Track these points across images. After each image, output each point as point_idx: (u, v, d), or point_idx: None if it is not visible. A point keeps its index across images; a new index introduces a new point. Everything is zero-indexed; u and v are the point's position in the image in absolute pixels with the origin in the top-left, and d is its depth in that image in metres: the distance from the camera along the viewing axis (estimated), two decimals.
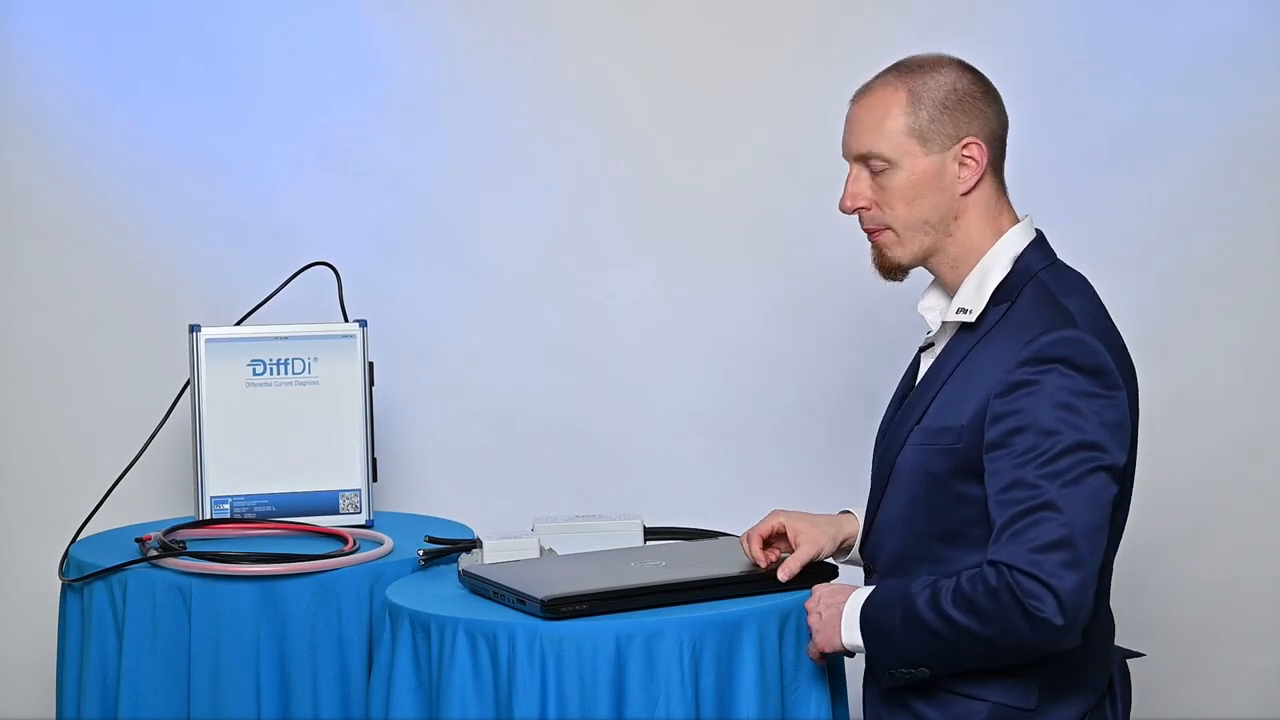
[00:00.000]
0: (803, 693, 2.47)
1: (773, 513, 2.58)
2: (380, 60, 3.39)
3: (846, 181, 2.46)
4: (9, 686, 3.37)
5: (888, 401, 2.67)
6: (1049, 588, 2.24)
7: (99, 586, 2.71)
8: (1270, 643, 3.39)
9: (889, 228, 2.46)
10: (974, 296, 2.44)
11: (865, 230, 2.49)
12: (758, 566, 2.54)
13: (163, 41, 3.35)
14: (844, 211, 2.48)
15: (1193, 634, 3.36)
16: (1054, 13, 3.35)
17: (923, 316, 2.53)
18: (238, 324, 3.03)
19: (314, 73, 3.38)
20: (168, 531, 2.81)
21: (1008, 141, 2.49)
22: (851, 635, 2.41)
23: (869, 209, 2.47)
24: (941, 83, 2.44)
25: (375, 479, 3.03)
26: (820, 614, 2.44)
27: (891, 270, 2.50)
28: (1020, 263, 2.45)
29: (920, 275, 2.51)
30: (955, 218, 2.46)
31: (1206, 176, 3.34)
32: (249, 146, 3.38)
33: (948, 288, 2.50)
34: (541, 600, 2.36)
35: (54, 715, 2.85)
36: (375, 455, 3.03)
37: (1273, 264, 3.35)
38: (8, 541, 3.37)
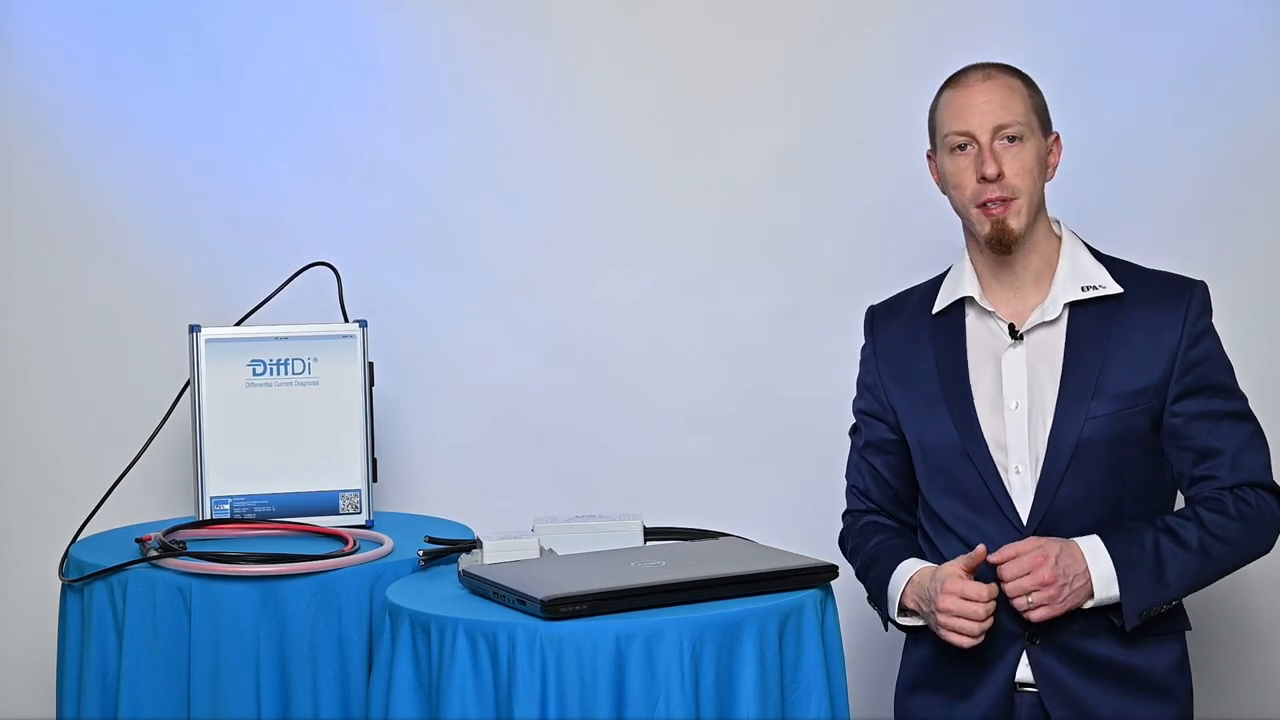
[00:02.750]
0: (803, 693, 2.47)
1: (949, 579, 2.63)
2: (380, 60, 3.39)
3: (982, 153, 2.66)
4: (9, 686, 3.36)
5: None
6: (1279, 495, 2.71)
7: (99, 587, 2.71)
8: None
9: (1016, 198, 2.67)
10: (1092, 274, 2.71)
11: (992, 200, 2.67)
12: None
13: (163, 42, 3.35)
14: (988, 179, 2.66)
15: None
16: (1053, 13, 3.35)
17: (994, 312, 2.72)
18: (238, 324, 3.03)
19: (314, 73, 3.38)
20: (168, 532, 2.81)
21: None
22: (1106, 590, 2.61)
23: (1003, 177, 2.66)
24: (1034, 82, 2.75)
25: (375, 479, 3.03)
26: (1070, 583, 2.59)
27: (1013, 242, 2.69)
28: (1086, 244, 2.76)
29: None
30: (1043, 201, 2.74)
31: (1206, 176, 3.34)
32: (249, 146, 3.37)
33: (1024, 273, 2.72)
34: (541, 600, 2.36)
35: (54, 715, 2.85)
36: (375, 455, 3.03)
37: (1272, 264, 3.35)
38: (8, 541, 3.37)
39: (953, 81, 2.75)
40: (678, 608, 2.40)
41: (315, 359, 2.98)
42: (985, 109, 2.68)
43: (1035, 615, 2.61)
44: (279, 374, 2.97)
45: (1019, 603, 2.61)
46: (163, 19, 3.35)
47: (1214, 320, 2.74)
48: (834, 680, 2.52)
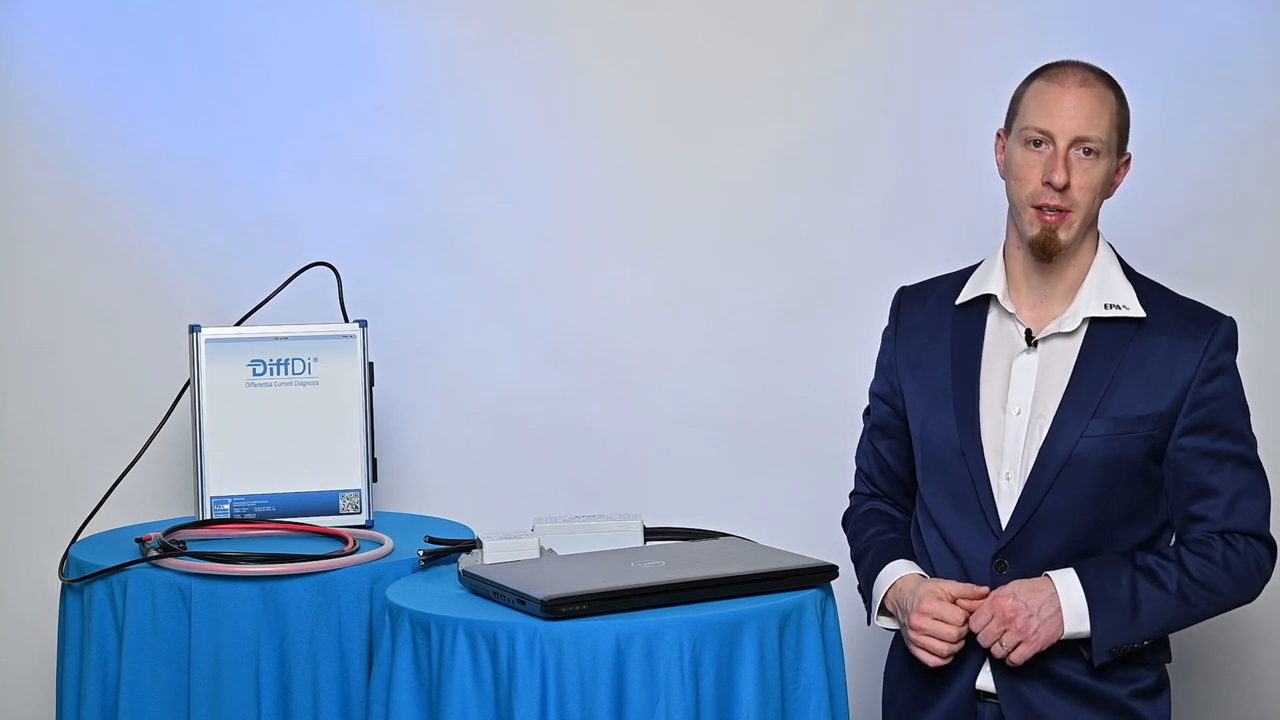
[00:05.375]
0: (803, 693, 2.47)
1: (927, 597, 2.64)
2: (380, 60, 3.39)
3: (1055, 157, 2.61)
4: (9, 686, 3.37)
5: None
6: (1271, 547, 2.67)
7: (99, 587, 2.71)
8: None
9: (1073, 211, 2.63)
10: (1119, 294, 2.66)
11: (1050, 206, 2.62)
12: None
13: (163, 42, 3.35)
14: (1054, 186, 2.61)
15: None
16: (1054, 13, 3.35)
17: (1014, 314, 2.69)
18: (238, 324, 3.03)
19: (314, 73, 3.38)
20: (168, 532, 2.81)
21: None
22: (1078, 625, 2.58)
23: (1069, 189, 2.62)
24: (1125, 99, 2.67)
25: (375, 479, 3.03)
26: (1036, 614, 2.57)
27: (1056, 252, 2.65)
28: (1122, 262, 2.71)
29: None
30: (1097, 218, 2.69)
31: (1206, 176, 3.34)
32: (249, 146, 3.37)
33: (1057, 283, 2.68)
34: (541, 600, 2.36)
35: (54, 715, 2.86)
36: (375, 455, 3.03)
37: (1273, 264, 3.36)
38: (8, 541, 3.37)
39: (1048, 73, 2.67)
40: (678, 608, 2.40)
41: (315, 359, 2.98)
42: (1073, 115, 2.61)
43: (1015, 656, 2.59)
44: (279, 374, 2.97)
45: (996, 650, 2.61)
46: (163, 19, 3.35)
47: None
48: (834, 680, 2.52)
